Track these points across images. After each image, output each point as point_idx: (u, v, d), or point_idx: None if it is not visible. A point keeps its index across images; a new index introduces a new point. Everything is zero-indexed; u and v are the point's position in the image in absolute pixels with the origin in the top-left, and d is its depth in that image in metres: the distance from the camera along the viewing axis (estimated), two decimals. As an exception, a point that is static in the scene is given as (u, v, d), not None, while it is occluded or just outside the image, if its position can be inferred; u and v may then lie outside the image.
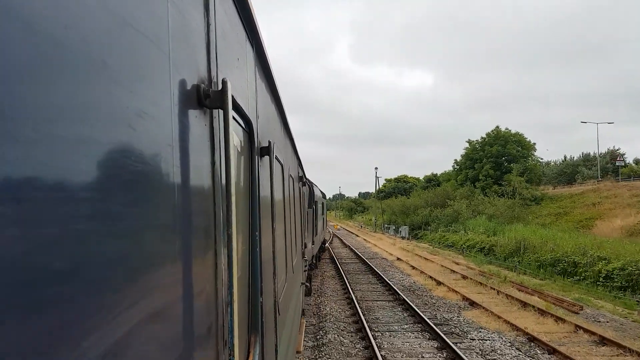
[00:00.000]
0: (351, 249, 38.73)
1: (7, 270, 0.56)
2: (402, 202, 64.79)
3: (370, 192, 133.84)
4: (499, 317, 14.96)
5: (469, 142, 64.26)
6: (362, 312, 15.29)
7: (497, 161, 58.78)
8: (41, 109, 0.64)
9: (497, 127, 61.56)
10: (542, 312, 15.79)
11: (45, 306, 0.63)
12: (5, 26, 0.57)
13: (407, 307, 16.34)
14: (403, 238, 52.34)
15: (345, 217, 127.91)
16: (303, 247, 10.60)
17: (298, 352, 7.84)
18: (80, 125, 0.74)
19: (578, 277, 23.16)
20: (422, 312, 15.38)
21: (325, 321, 14.61)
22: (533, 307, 16.40)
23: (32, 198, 0.62)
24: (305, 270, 11.91)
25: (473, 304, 17.28)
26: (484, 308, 16.31)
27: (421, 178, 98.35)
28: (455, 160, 68.92)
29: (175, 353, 1.18)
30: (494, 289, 19.93)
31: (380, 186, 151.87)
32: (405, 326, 14.09)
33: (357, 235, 58.18)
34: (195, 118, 1.43)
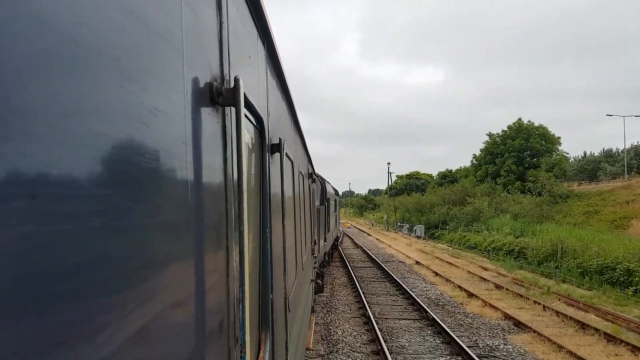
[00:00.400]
0: (363, 250, 35.52)
1: (20, 266, 0.57)
2: (417, 200, 61.13)
3: (381, 189, 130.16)
4: (560, 346, 11.63)
5: (489, 135, 60.52)
6: (382, 338, 12.04)
7: (520, 156, 55.04)
8: (55, 105, 0.65)
9: (520, 119, 57.77)
10: (610, 338, 12.45)
11: (57, 303, 0.64)
12: (21, 23, 0.58)
13: (439, 330, 13.06)
14: (419, 238, 49.03)
15: (356, 214, 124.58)
16: (313, 244, 10.43)
17: (308, 349, 7.78)
18: (94, 121, 0.75)
19: (635, 288, 19.66)
20: (458, 336, 12.14)
21: (336, 351, 11.40)
22: (595, 329, 13.06)
23: (46, 194, 0.62)
24: (314, 267, 11.77)
25: (519, 324, 13.99)
26: (534, 331, 13.01)
27: (434, 175, 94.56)
28: (474, 155, 65.21)
29: (187, 349, 1.19)
30: (538, 303, 16.60)
31: (392, 182, 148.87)
32: (442, 360, 10.86)
33: (369, 234, 54.92)
34: (208, 115, 1.43)
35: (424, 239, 48.24)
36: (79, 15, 0.71)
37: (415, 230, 51.77)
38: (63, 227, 0.65)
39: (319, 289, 15.31)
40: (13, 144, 0.56)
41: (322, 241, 15.37)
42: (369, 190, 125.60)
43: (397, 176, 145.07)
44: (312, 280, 9.53)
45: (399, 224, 65.88)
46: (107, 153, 0.79)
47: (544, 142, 55.17)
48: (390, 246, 39.29)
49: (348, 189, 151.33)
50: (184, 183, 1.17)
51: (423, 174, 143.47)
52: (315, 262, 11.96)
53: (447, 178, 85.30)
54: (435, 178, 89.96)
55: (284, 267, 3.37)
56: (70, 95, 0.68)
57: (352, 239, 47.31)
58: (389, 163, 65.88)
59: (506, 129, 58.17)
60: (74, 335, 0.67)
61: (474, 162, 65.12)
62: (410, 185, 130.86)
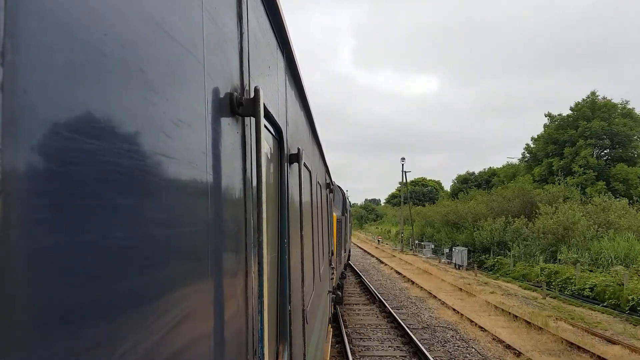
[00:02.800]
0: (382, 306, 17.76)
1: (47, 272, 0.58)
2: (451, 209, 42.82)
3: (378, 198, 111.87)
4: None
5: (549, 116, 43.00)
6: None
7: (598, 144, 37.57)
8: (79, 114, 0.66)
9: (593, 92, 40.32)
10: None
11: (79, 311, 0.64)
12: (48, 34, 0.59)
13: None
14: (458, 267, 31.34)
15: (354, 226, 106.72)
16: (330, 254, 10.74)
17: None
18: (117, 130, 0.75)
19: None
20: None
21: None
22: None
23: (69, 202, 0.63)
24: (332, 279, 11.79)
25: None
26: None
27: (453, 179, 76.80)
28: (527, 145, 47.47)
29: None
30: None
31: (394, 190, 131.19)
32: None
33: (380, 260, 37.07)
34: (228, 126, 1.44)
35: (466, 268, 30.59)
36: (105, 26, 0.72)
37: (453, 254, 33.72)
38: (87, 237, 0.66)
39: (338, 300, 14.12)
40: (39, 153, 0.56)
41: (342, 252, 15.85)
42: (366, 200, 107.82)
43: (400, 183, 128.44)
44: (329, 292, 9.71)
45: (416, 241, 48.16)
46: (129, 162, 0.79)
47: (633, 123, 37.78)
48: (431, 295, 21.06)
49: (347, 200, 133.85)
50: (203, 193, 1.18)
51: (430, 180, 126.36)
52: (332, 273, 11.91)
53: (469, 183, 68.08)
54: (454, 183, 72.30)
55: (302, 278, 3.35)
56: (94, 104, 0.69)
57: (355, 269, 29.37)
58: (403, 159, 48.42)
59: (574, 107, 40.65)
60: (92, 346, 0.67)
61: (527, 155, 47.43)
62: (416, 192, 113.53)
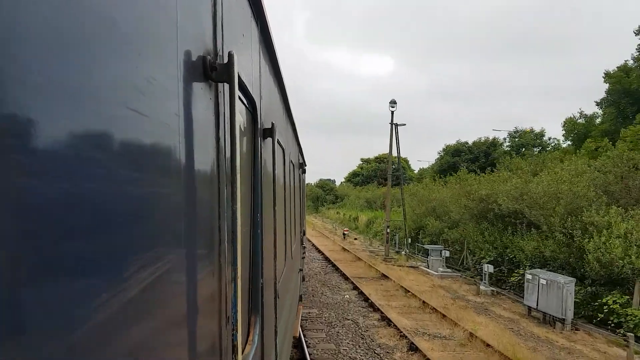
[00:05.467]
0: None
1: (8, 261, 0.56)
2: (516, 186, 20.13)
3: (333, 179, 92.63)
4: None
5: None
6: None
7: None
8: (50, 66, 0.64)
9: None
10: None
11: (57, 266, 0.64)
12: None
13: None
14: (550, 321, 12.92)
15: (309, 209, 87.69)
16: (302, 234, 11.01)
17: (295, 337, 7.94)
18: (88, 80, 0.74)
19: None
20: None
21: None
22: None
23: (38, 151, 0.61)
24: (303, 257, 11.91)
25: None
26: None
27: (439, 151, 58.81)
28: (597, 103, 29.60)
29: (176, 327, 1.16)
30: None
31: (356, 167, 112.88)
32: None
33: (365, 296, 17.86)
34: (201, 90, 1.41)
35: (574, 326, 12.18)
36: None
37: (528, 288, 14.70)
38: (57, 191, 0.64)
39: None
40: (8, 109, 0.55)
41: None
42: (320, 180, 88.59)
43: (362, 160, 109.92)
44: (300, 270, 9.84)
45: (408, 239, 29.72)
46: (100, 116, 0.77)
47: None
48: None
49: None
50: (176, 155, 1.14)
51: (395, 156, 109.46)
52: (303, 252, 12.09)
53: (465, 155, 50.72)
54: (441, 156, 54.39)
55: (275, 253, 3.37)
56: (66, 54, 0.67)
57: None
58: (392, 103, 29.13)
59: None
60: (69, 301, 0.67)
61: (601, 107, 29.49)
62: (381, 170, 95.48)
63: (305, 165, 12.71)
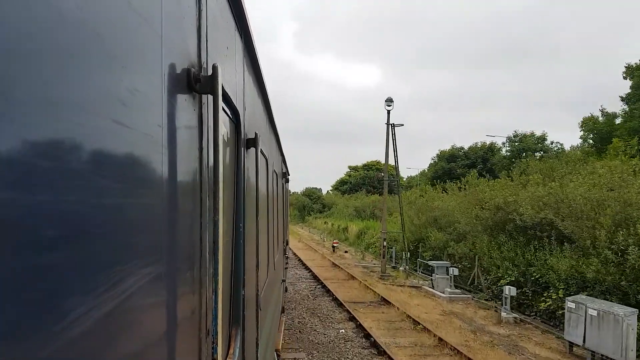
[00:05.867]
0: None
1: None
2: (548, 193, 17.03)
3: (318, 187, 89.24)
4: None
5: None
6: None
7: None
8: (34, 76, 0.64)
9: None
10: None
11: (29, 302, 0.63)
12: None
13: None
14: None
15: (295, 218, 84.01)
16: (285, 244, 11.13)
17: (277, 350, 7.37)
18: (72, 93, 0.74)
19: None
20: None
21: None
22: None
23: (21, 162, 0.61)
24: (285, 268, 11.80)
25: None
26: None
27: (432, 157, 56.15)
28: (622, 98, 27.20)
29: (156, 339, 1.14)
30: None
31: (344, 175, 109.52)
32: None
33: (357, 307, 14.48)
34: (185, 102, 1.41)
35: None
36: None
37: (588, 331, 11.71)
38: (38, 200, 0.64)
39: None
40: None
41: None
42: (306, 189, 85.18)
43: (349, 167, 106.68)
44: (282, 281, 10.01)
45: (406, 253, 26.48)
46: (83, 128, 0.76)
47: None
48: None
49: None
50: (158, 167, 1.14)
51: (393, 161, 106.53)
52: (286, 263, 12.06)
53: (461, 160, 47.74)
54: (435, 162, 51.41)
55: (257, 264, 3.33)
56: (49, 65, 0.67)
57: None
58: (388, 102, 25.96)
59: None
60: (46, 324, 0.65)
61: (627, 103, 26.80)
62: (370, 178, 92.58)
63: (289, 175, 12.36)
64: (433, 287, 21.52)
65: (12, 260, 0.58)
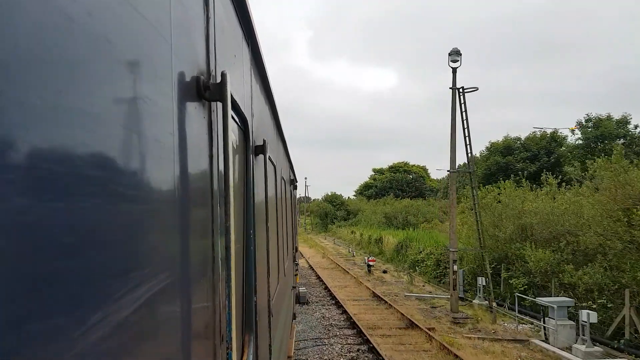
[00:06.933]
0: None
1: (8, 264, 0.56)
2: None
3: (338, 193, 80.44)
4: None
5: None
6: None
7: None
8: (46, 83, 0.64)
9: None
10: None
11: (43, 305, 0.62)
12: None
13: None
14: None
15: (317, 227, 75.67)
16: (294, 250, 11.16)
17: (289, 357, 7.33)
18: (83, 99, 0.74)
19: None
20: None
21: None
22: None
23: (35, 169, 0.62)
24: (295, 275, 11.98)
25: None
26: None
27: (481, 151, 47.22)
28: None
29: (173, 347, 1.16)
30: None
31: (368, 179, 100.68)
32: None
33: None
34: (195, 109, 1.42)
35: None
36: None
37: None
38: (55, 206, 0.64)
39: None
40: (3, 123, 0.55)
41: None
42: (326, 195, 76.92)
43: (374, 170, 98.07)
44: (293, 287, 9.81)
45: (487, 282, 17.69)
46: (94, 134, 0.77)
47: None
48: None
49: (305, 194, 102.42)
50: (170, 174, 1.15)
51: (414, 165, 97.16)
52: (296, 270, 12.13)
53: (518, 154, 38.70)
54: (485, 154, 42.47)
55: (268, 271, 3.34)
56: (61, 71, 0.68)
57: None
58: (456, 54, 17.81)
59: None
60: (62, 331, 0.66)
61: None
62: (397, 181, 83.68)
63: (297, 182, 12.49)
64: (547, 340, 13.03)
65: (27, 266, 0.58)
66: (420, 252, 27.63)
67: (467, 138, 17.41)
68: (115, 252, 0.84)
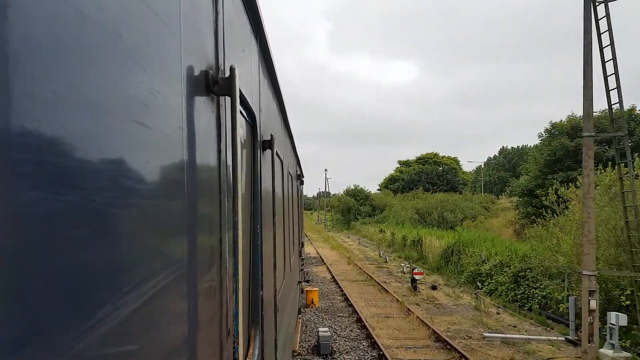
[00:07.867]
0: None
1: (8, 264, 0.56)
2: None
3: (363, 186, 72.92)
4: None
5: None
6: None
7: None
8: (58, 77, 0.65)
9: None
10: None
11: (53, 302, 0.63)
12: None
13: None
14: None
15: (338, 224, 68.72)
16: (300, 245, 10.97)
17: (294, 351, 7.63)
18: (94, 93, 0.75)
19: None
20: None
21: None
22: None
23: (47, 163, 0.63)
24: (301, 270, 11.77)
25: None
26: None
27: (540, 133, 38.71)
28: None
29: (179, 339, 1.16)
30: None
31: (393, 171, 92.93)
32: None
33: None
34: (204, 103, 1.43)
35: None
36: None
37: None
38: (63, 200, 0.64)
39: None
40: (13, 117, 0.55)
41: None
42: (347, 188, 69.89)
43: (399, 162, 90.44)
44: (299, 282, 9.75)
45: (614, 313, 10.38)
46: (107, 129, 0.78)
47: None
48: None
49: (325, 190, 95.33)
50: (179, 167, 1.16)
51: (444, 157, 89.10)
52: (302, 264, 11.86)
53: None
54: (547, 140, 34.74)
55: (274, 265, 3.35)
56: (73, 65, 0.69)
57: None
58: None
59: None
60: (73, 319, 0.67)
61: None
62: (426, 174, 75.89)
63: (303, 177, 12.61)
64: None
65: (37, 259, 0.58)
66: (483, 261, 20.46)
67: (610, 79, 10.27)
68: (124, 245, 0.84)
